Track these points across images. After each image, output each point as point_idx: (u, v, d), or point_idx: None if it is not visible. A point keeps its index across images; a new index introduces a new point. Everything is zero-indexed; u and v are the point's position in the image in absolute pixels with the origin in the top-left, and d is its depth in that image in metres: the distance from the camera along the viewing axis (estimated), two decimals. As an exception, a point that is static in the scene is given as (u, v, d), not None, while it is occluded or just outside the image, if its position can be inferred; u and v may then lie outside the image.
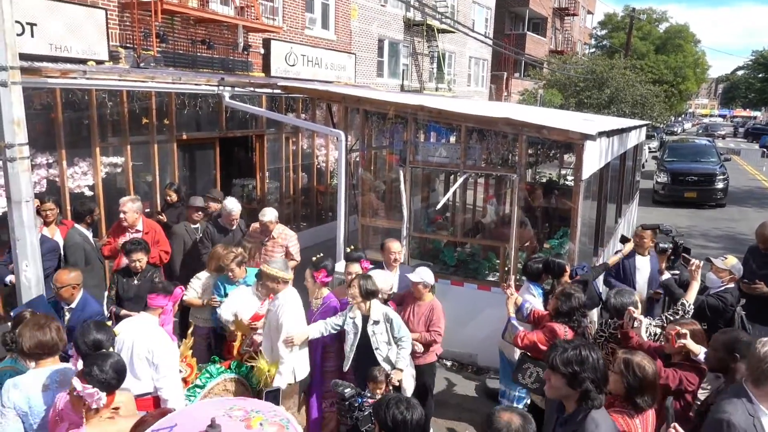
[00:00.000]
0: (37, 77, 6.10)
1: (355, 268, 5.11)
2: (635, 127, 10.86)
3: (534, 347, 4.28)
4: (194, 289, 5.44)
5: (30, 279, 4.65)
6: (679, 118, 55.70)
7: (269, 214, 6.37)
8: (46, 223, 5.78)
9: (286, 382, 4.39)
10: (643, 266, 6.18)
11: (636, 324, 3.97)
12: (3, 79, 4.30)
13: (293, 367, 4.47)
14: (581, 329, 4.19)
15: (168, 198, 7.44)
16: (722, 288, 5.02)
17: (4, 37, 4.26)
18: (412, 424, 2.61)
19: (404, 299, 5.17)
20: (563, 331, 4.12)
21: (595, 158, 6.52)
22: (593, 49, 44.11)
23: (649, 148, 27.90)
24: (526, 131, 6.15)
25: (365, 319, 4.49)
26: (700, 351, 3.62)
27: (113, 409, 2.87)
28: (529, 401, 5.46)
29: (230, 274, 5.27)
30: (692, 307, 4.55)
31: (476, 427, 5.52)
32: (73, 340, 3.53)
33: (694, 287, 4.68)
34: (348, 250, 5.73)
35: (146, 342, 3.77)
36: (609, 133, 7.22)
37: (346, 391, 3.37)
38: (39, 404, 3.17)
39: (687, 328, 3.71)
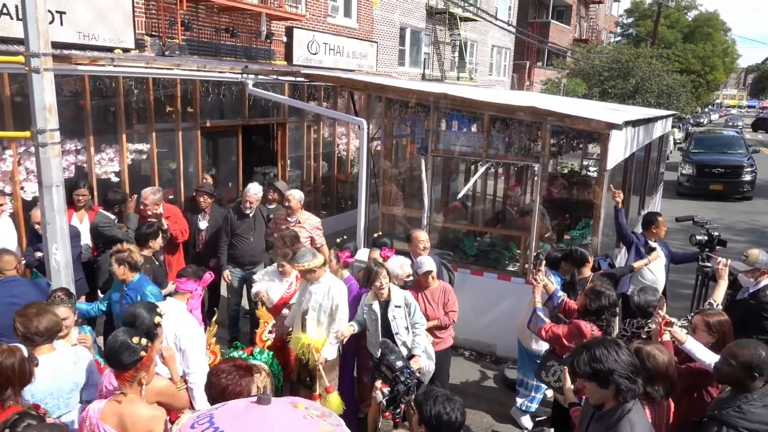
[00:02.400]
0: (68, 64, 6.21)
1: (377, 254, 5.17)
2: (661, 117, 10.68)
3: (558, 341, 4.21)
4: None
5: (59, 262, 4.76)
6: (706, 109, 54.27)
7: (295, 194, 6.43)
8: (77, 208, 5.90)
9: (334, 353, 4.60)
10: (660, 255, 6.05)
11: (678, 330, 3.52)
12: (36, 65, 4.39)
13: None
14: (610, 329, 4.03)
15: (204, 182, 7.54)
16: (761, 286, 4.59)
17: (36, 24, 4.34)
18: (456, 425, 2.53)
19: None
20: (590, 329, 3.97)
21: (620, 148, 6.44)
22: (619, 38, 43.23)
23: (675, 140, 27.36)
24: (551, 120, 6.10)
25: (386, 304, 4.55)
26: (686, 339, 3.46)
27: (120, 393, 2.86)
28: (547, 393, 5.47)
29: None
30: (720, 307, 4.33)
31: (493, 415, 5.54)
32: None
33: (722, 286, 4.47)
34: (375, 235, 5.79)
35: (174, 327, 3.80)
36: (635, 123, 7.12)
37: (397, 363, 3.22)
38: (40, 391, 3.14)
39: (714, 318, 3.63)
